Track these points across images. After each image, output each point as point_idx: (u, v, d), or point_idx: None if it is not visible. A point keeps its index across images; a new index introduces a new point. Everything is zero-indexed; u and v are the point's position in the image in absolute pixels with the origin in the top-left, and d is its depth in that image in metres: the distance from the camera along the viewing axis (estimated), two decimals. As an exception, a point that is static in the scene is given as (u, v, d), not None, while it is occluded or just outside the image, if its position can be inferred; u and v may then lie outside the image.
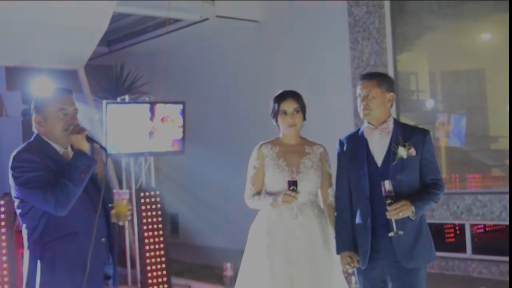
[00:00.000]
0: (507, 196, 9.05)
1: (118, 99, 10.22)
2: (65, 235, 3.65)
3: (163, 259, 9.62)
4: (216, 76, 13.76)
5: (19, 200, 3.68)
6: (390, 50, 10.49)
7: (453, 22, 10.25)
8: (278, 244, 4.59)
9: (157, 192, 9.80)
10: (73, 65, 11.52)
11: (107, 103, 9.30)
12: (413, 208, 4.10)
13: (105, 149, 3.81)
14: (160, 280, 9.55)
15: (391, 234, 4.11)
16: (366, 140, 4.38)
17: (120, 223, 3.87)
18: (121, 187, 10.33)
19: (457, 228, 9.84)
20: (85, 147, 3.71)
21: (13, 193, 3.69)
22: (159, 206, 9.73)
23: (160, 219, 9.72)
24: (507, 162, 10.21)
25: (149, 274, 9.45)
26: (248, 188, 4.78)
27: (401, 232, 4.10)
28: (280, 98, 4.75)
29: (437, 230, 9.75)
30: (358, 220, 4.33)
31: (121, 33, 14.54)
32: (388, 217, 4.08)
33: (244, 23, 12.84)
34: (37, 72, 10.63)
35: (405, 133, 4.33)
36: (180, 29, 13.17)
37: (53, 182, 3.56)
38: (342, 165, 4.49)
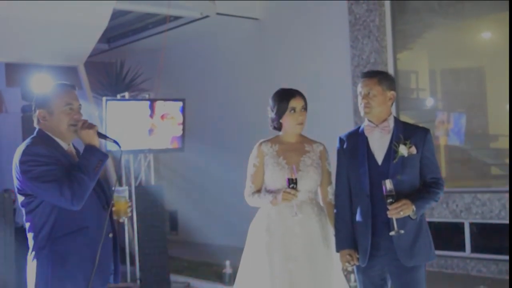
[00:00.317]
0: (506, 195, 9.06)
1: (118, 96, 10.23)
2: (76, 229, 3.65)
3: (162, 256, 9.63)
4: (216, 74, 13.75)
5: (25, 196, 3.65)
6: (390, 48, 10.49)
7: (453, 20, 10.24)
8: (277, 241, 4.58)
9: (157, 189, 9.82)
10: (73, 62, 11.52)
11: (107, 100, 9.29)
12: (414, 207, 4.11)
13: (118, 144, 3.81)
14: (159, 277, 9.56)
15: (392, 233, 4.11)
16: (366, 138, 4.38)
17: (120, 220, 3.87)
18: (120, 184, 10.33)
19: (456, 226, 9.84)
20: (97, 142, 3.72)
21: (18, 188, 3.67)
22: (158, 203, 9.75)
23: (159, 216, 9.74)
24: (507, 161, 10.21)
25: (148, 271, 9.47)
26: (248, 186, 4.77)
27: (402, 231, 4.10)
28: (289, 95, 4.71)
29: (437, 229, 9.75)
30: (358, 218, 4.33)
31: (121, 30, 14.53)
32: (389, 216, 4.08)
33: (244, 21, 12.84)
34: (37, 68, 10.61)
35: (405, 131, 4.33)
36: (180, 26, 13.16)
37: (67, 176, 3.55)
38: (342, 163, 4.48)
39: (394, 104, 4.55)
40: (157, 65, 12.45)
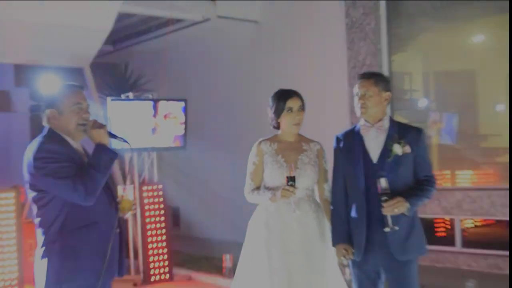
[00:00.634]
0: (495, 192, 9.07)
1: (122, 96, 10.22)
2: (86, 224, 3.66)
3: (165, 250, 9.65)
4: (217, 75, 13.75)
5: (37, 192, 3.65)
6: (385, 51, 10.49)
7: (446, 23, 10.24)
8: (276, 237, 4.59)
9: (160, 186, 9.83)
10: (79, 63, 11.54)
11: (111, 100, 9.31)
12: (407, 204, 4.12)
13: (128, 143, 3.82)
14: (162, 270, 9.58)
15: (387, 229, 4.11)
16: (362, 137, 4.38)
17: (124, 217, 3.88)
18: (124, 181, 10.34)
19: (447, 222, 9.85)
20: (107, 140, 3.75)
21: (31, 184, 3.67)
22: (161, 199, 9.77)
23: (162, 212, 9.76)
24: (497, 159, 10.23)
25: (151, 265, 9.50)
26: (247, 183, 4.77)
27: (396, 228, 4.11)
28: (287, 95, 4.71)
29: (428, 225, 9.77)
30: (353, 214, 4.34)
31: (126, 33, 14.54)
32: (384, 213, 4.09)
33: (244, 24, 12.85)
34: (45, 69, 10.63)
35: (400, 131, 4.33)
36: (182, 29, 13.18)
37: (80, 173, 3.56)
38: (338, 161, 4.49)
39: (389, 104, 4.55)
40: (160, 66, 12.47)
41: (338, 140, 4.51)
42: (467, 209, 9.37)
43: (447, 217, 9.73)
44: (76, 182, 3.52)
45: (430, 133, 10.21)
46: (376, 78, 4.40)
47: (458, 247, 9.56)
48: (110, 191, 3.83)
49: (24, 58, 11.40)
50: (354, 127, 4.50)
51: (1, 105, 15.72)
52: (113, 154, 3.71)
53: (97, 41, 11.31)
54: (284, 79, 10.54)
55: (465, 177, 10.09)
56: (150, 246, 9.52)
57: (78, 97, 3.80)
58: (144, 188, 9.65)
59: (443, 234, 9.88)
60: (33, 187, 3.65)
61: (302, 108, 4.72)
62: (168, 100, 9.81)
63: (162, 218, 9.72)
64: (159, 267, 9.57)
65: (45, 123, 3.81)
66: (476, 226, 9.85)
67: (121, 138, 3.81)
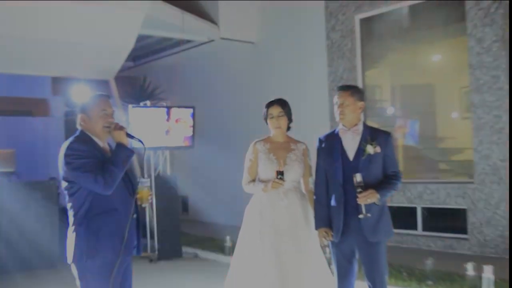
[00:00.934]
0: (451, 185, 9.07)
1: (141, 104, 10.22)
2: (107, 210, 3.65)
3: (176, 232, 9.63)
4: (220, 86, 13.74)
5: (68, 182, 3.66)
6: (360, 67, 10.49)
7: (410, 45, 10.25)
8: (268, 221, 4.57)
9: (172, 179, 9.81)
10: (105, 76, 11.52)
11: (132, 107, 9.30)
12: (378, 195, 4.12)
13: (142, 143, 3.82)
14: (173, 249, 9.56)
15: (361, 216, 4.11)
16: (340, 139, 4.36)
17: (143, 205, 3.88)
18: (143, 175, 10.32)
19: (410, 210, 9.84)
20: (126, 140, 3.75)
21: (63, 176, 3.68)
22: (173, 189, 9.75)
23: (173, 200, 9.74)
24: (452, 158, 10.23)
25: (165, 244, 9.47)
26: (244, 176, 4.76)
27: (369, 215, 4.11)
28: (269, 104, 4.76)
29: (395, 212, 9.75)
30: (333, 203, 4.32)
31: (144, 51, 14.54)
32: (359, 202, 4.09)
33: (242, 44, 12.85)
34: (77, 81, 10.64)
35: (372, 134, 4.32)
36: (191, 48, 13.18)
37: (101, 167, 3.57)
38: (320, 158, 4.47)
39: (363, 112, 4.54)
40: (172, 79, 12.46)
41: (320, 141, 4.50)
42: (426, 199, 9.37)
43: (410, 206, 9.72)
44: (97, 175, 3.53)
45: (396, 136, 10.20)
46: (352, 90, 4.39)
47: (419, 230, 9.56)
48: (130, 183, 3.83)
49: (60, 71, 11.39)
50: (334, 130, 4.49)
51: (41, 111, 15.71)
52: (130, 152, 3.72)
53: (120, 58, 11.30)
54: (276, 90, 10.46)
55: (425, 173, 10.08)
56: (163, 228, 9.50)
57: (104, 104, 3.81)
58: (159, 180, 9.63)
59: (407, 219, 9.86)
60: (64, 178, 3.68)
61: (283, 114, 4.72)
62: (179, 107, 9.79)
63: (174, 205, 9.71)
64: (171, 246, 9.54)
65: (78, 126, 3.84)
66: (434, 213, 9.83)
67: (137, 139, 3.81)
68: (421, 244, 9.35)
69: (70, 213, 3.70)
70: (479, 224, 8.62)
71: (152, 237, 9.78)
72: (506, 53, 8.28)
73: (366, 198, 4.07)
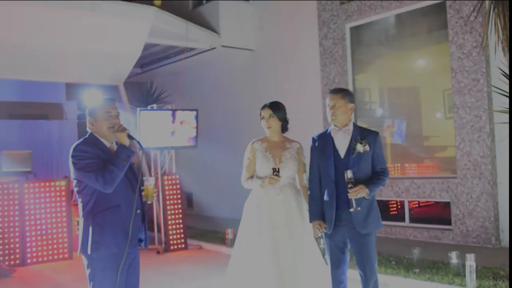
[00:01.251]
0: (435, 180, 9.06)
1: (148, 107, 10.20)
2: (110, 207, 3.66)
3: (181, 225, 9.62)
4: (221, 90, 13.74)
5: (76, 180, 3.69)
6: (350, 72, 10.48)
7: (397, 51, 10.25)
8: (265, 215, 4.56)
9: (177, 176, 9.80)
10: (115, 82, 11.51)
11: (140, 110, 9.28)
12: (367, 190, 4.11)
13: (140, 144, 3.82)
14: (179, 241, 9.55)
15: (351, 209, 4.10)
16: (332, 138, 4.35)
17: (149, 202, 3.87)
18: (150, 172, 10.32)
19: (398, 204, 9.84)
20: (126, 142, 3.74)
21: (72, 175, 3.70)
22: (178, 186, 9.73)
23: (179, 196, 9.72)
24: (436, 155, 10.23)
25: (171, 237, 9.46)
26: (243, 173, 4.75)
27: (359, 208, 4.10)
28: (262, 107, 4.79)
29: (384, 205, 9.76)
30: (325, 197, 4.31)
31: (151, 58, 14.51)
32: (349, 197, 4.09)
33: (242, 51, 12.83)
34: (89, 86, 10.59)
35: (361, 133, 4.31)
36: (194, 55, 13.15)
37: (103, 167, 3.58)
38: (314, 156, 4.46)
39: (353, 113, 4.54)
40: (177, 84, 12.44)
41: (314, 140, 4.49)
42: (413, 193, 9.36)
43: (398, 199, 9.72)
44: (98, 175, 3.54)
45: (385, 135, 10.20)
46: (343, 93, 4.38)
47: (406, 222, 9.55)
48: (136, 181, 3.82)
49: (73, 77, 11.38)
50: (326, 130, 4.47)
51: (56, 114, 15.70)
52: (130, 152, 3.71)
53: (129, 64, 11.29)
54: (273, 93, 10.53)
55: (411, 169, 10.08)
56: (169, 222, 9.49)
57: (108, 107, 3.80)
58: (165, 178, 9.61)
59: (395, 212, 9.86)
60: (74, 177, 3.69)
61: (273, 116, 4.72)
62: (183, 110, 9.77)
63: (179, 201, 9.69)
64: (177, 239, 9.53)
65: (87, 128, 3.84)
66: (420, 206, 9.83)
67: (137, 140, 3.81)
68: (408, 235, 9.34)
69: (80, 208, 3.73)
70: (462, 216, 8.61)
71: (159, 230, 9.77)
72: (485, 58, 8.29)
73: (356, 193, 4.07)
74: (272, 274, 4.41)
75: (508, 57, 6.93)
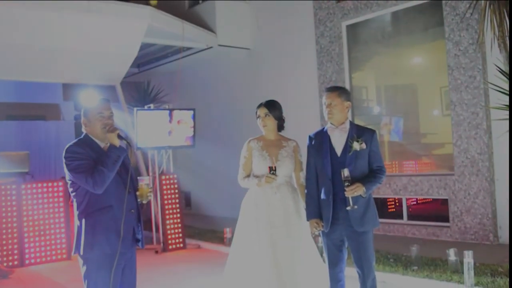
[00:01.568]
0: (433, 177, 9.07)
1: (145, 107, 10.18)
2: (103, 207, 3.66)
3: (179, 225, 9.61)
4: (218, 90, 13.73)
5: (70, 181, 3.70)
6: (347, 70, 10.48)
7: (393, 49, 10.25)
8: (262, 213, 4.55)
9: (175, 176, 9.79)
10: (112, 82, 11.50)
11: (137, 110, 9.26)
12: (364, 188, 4.10)
13: (130, 145, 3.83)
14: (177, 241, 9.54)
15: (348, 208, 4.10)
16: (329, 136, 4.34)
17: (144, 202, 3.86)
18: (148, 172, 10.31)
19: (396, 201, 9.85)
20: (117, 142, 3.73)
21: (66, 176, 3.72)
22: (176, 186, 9.73)
23: (177, 195, 9.72)
24: (434, 152, 10.23)
25: (169, 236, 9.46)
26: (240, 172, 4.74)
27: (356, 207, 4.10)
28: (258, 106, 4.77)
29: (382, 203, 9.76)
30: (322, 196, 4.30)
31: (148, 58, 14.48)
32: (346, 195, 4.08)
33: (238, 50, 12.82)
34: (85, 86, 10.61)
35: (358, 131, 4.30)
36: (191, 55, 13.13)
37: (92, 168, 3.58)
38: (311, 154, 4.44)
39: (350, 111, 4.53)
40: (174, 83, 12.42)
41: (310, 138, 4.48)
42: (411, 191, 9.37)
43: (396, 197, 9.72)
44: (87, 176, 3.55)
45: (382, 132, 10.21)
46: (339, 91, 4.37)
47: (404, 219, 9.55)
48: (131, 181, 3.81)
49: (70, 78, 11.36)
50: (323, 128, 4.47)
51: (53, 115, 15.69)
52: (120, 152, 3.70)
53: (125, 64, 11.27)
54: (270, 92, 10.53)
55: (409, 166, 10.09)
56: (168, 222, 9.48)
57: (101, 108, 3.80)
58: (163, 177, 9.60)
59: (393, 210, 9.87)
60: (68, 178, 3.71)
61: (268, 114, 4.70)
62: (180, 109, 9.76)
63: (177, 200, 9.68)
64: (175, 238, 9.52)
65: (83, 129, 3.84)
66: (418, 203, 9.84)
67: (126, 141, 3.80)
68: (406, 232, 9.34)
69: (74, 209, 3.74)
70: (460, 213, 8.62)
71: (157, 230, 9.76)
72: (481, 55, 8.29)
73: (353, 191, 4.06)
74: (270, 273, 4.40)
75: (504, 54, 6.95)
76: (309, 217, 4.40)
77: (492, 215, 8.25)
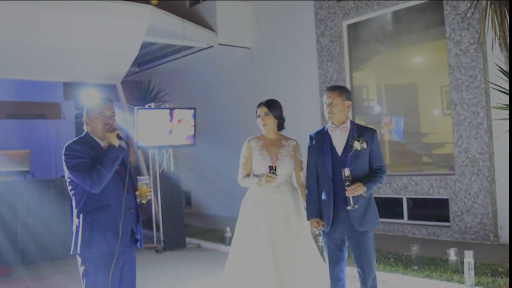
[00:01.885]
0: (433, 177, 9.06)
1: (146, 106, 10.18)
2: (100, 206, 3.65)
3: (180, 224, 9.60)
4: (219, 88, 13.72)
5: (69, 180, 3.68)
6: (348, 69, 10.47)
7: (394, 48, 10.24)
8: (262, 212, 4.54)
9: (175, 175, 9.78)
10: (112, 81, 11.49)
11: (138, 109, 9.26)
12: (364, 188, 4.09)
13: (128, 145, 3.81)
14: (177, 239, 9.53)
15: (349, 207, 4.09)
16: (329, 136, 4.33)
17: (143, 201, 3.85)
18: (148, 171, 10.31)
19: (397, 200, 9.83)
20: (116, 142, 3.71)
21: (66, 175, 3.70)
22: (176, 185, 9.71)
23: (177, 194, 9.71)
24: (434, 152, 10.22)
25: (170, 235, 9.44)
26: (240, 171, 4.73)
27: (356, 206, 4.09)
28: (258, 105, 4.76)
29: (382, 202, 9.74)
30: (323, 195, 4.29)
31: (148, 57, 14.48)
32: (347, 195, 4.06)
33: (239, 49, 12.82)
34: (86, 85, 10.59)
35: (359, 131, 4.29)
36: (192, 54, 13.13)
37: (90, 167, 3.57)
38: (311, 154, 4.43)
39: (351, 110, 4.52)
40: (175, 82, 12.41)
41: (311, 138, 4.47)
42: (411, 190, 9.35)
43: (396, 197, 9.70)
44: (85, 175, 3.53)
45: (382, 132, 10.20)
46: (340, 90, 4.35)
47: (405, 219, 9.54)
48: (131, 180, 3.80)
49: (71, 76, 11.35)
50: (324, 127, 4.45)
51: (54, 114, 15.67)
52: (118, 152, 3.69)
53: (126, 63, 11.27)
54: (270, 91, 10.52)
55: (409, 166, 10.07)
56: (168, 221, 9.48)
57: (103, 107, 3.79)
58: (163, 176, 9.60)
59: (393, 209, 9.85)
60: (67, 176, 3.70)
61: (269, 114, 4.69)
62: (181, 108, 9.76)
63: (177, 199, 9.68)
64: (175, 237, 9.51)
65: (84, 128, 3.84)
66: (418, 203, 9.82)
67: (124, 140, 3.79)
68: (406, 232, 9.33)
69: (73, 207, 3.73)
70: (460, 212, 8.61)
71: (158, 229, 9.76)
72: (482, 54, 8.28)
73: (354, 191, 4.04)
74: (270, 272, 4.39)
75: (505, 54, 6.94)
76: (309, 217, 4.39)
77: (493, 215, 8.24)
